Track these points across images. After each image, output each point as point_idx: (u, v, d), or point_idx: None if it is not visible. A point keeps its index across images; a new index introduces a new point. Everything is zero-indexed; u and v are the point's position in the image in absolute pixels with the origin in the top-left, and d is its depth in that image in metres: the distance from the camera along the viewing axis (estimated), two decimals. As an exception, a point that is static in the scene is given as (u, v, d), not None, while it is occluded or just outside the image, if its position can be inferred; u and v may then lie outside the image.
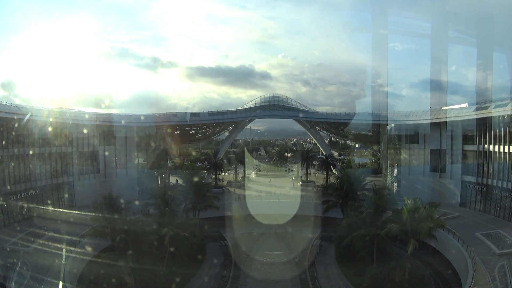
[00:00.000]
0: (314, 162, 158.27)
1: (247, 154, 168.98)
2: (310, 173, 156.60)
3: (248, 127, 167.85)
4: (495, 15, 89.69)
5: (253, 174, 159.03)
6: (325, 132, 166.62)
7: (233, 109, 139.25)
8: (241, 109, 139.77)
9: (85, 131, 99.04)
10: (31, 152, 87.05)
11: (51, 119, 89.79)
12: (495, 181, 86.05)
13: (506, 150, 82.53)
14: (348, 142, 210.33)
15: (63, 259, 58.30)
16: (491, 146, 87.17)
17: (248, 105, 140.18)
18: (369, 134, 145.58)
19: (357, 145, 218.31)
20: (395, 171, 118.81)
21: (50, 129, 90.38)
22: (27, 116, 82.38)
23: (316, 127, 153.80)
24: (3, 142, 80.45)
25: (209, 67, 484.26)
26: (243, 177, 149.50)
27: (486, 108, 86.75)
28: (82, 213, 73.09)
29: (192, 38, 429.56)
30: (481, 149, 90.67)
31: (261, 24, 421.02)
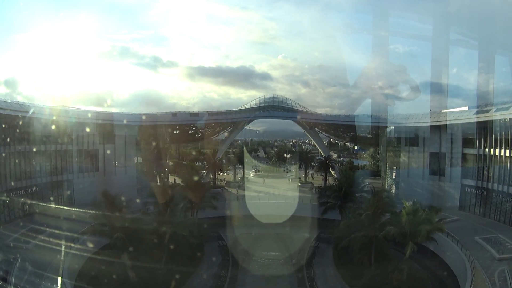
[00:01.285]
0: (313, 164, 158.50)
1: (246, 154, 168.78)
2: (308, 175, 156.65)
3: (247, 127, 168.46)
4: (497, 17, 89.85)
5: (252, 175, 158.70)
6: (324, 133, 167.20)
7: (232, 110, 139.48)
8: (240, 109, 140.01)
9: (86, 129, 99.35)
10: (32, 150, 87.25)
11: (52, 117, 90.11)
12: (495, 185, 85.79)
13: (507, 154, 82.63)
14: (347, 144, 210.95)
15: (62, 256, 58.42)
16: (492, 150, 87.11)
17: (248, 106, 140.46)
18: (368, 136, 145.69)
19: (356, 147, 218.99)
20: (394, 174, 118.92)
21: (51, 127, 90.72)
22: (29, 114, 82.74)
23: (316, 129, 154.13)
24: (5, 139, 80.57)
25: (210, 67, 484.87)
26: (242, 178, 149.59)
27: (487, 111, 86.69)
28: (82, 210, 73.08)
29: (193, 38, 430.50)
30: (481, 152, 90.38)
31: (262, 25, 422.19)
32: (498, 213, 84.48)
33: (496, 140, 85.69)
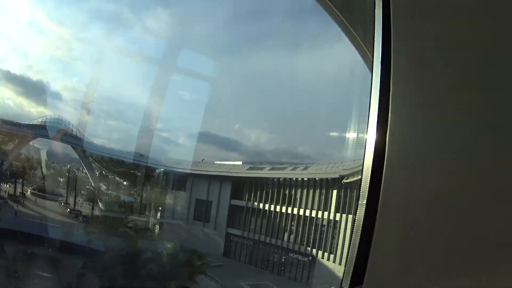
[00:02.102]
0: (82, 192, 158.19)
1: (26, 170, 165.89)
2: (78, 202, 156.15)
3: (31, 143, 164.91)
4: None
5: (28, 192, 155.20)
6: (97, 164, 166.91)
7: (22, 123, 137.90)
8: (28, 124, 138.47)
9: None
10: None
11: None
12: (262, 236, 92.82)
13: (278, 210, 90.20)
14: (117, 178, 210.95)
15: None
16: (261, 204, 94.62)
17: (35, 122, 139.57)
18: (138, 174, 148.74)
19: (125, 183, 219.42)
20: (159, 214, 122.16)
21: None
22: None
23: (90, 158, 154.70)
24: None
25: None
26: (21, 193, 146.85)
27: (262, 168, 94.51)
28: None
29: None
30: (249, 205, 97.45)
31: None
32: (266, 263, 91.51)
33: (267, 196, 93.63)
